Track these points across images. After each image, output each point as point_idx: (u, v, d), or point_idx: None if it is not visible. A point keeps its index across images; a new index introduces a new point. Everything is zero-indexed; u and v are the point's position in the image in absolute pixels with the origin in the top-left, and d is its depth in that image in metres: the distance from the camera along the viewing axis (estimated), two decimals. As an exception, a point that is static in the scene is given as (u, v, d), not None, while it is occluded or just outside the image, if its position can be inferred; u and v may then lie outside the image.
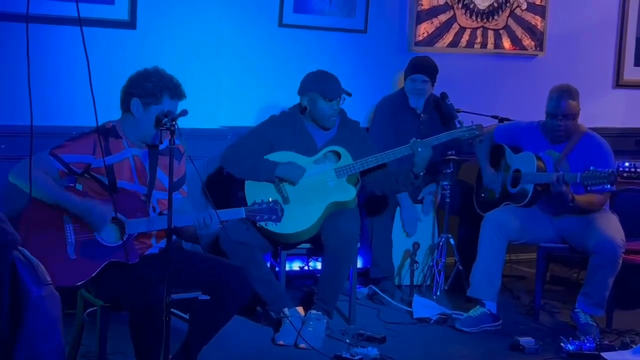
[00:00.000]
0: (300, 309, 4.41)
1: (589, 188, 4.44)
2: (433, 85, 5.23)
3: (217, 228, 3.50)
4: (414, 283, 5.04)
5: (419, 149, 4.34)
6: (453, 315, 4.68)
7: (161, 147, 3.48)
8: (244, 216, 3.56)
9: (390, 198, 5.00)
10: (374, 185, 4.56)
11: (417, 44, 5.58)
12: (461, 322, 4.57)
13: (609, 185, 4.36)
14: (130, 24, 4.71)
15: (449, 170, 5.04)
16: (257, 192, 4.35)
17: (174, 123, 3.18)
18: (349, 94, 4.49)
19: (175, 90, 3.44)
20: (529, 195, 4.60)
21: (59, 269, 3.24)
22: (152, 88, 3.41)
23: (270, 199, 3.58)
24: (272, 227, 3.71)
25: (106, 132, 3.47)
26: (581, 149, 4.64)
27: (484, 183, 4.96)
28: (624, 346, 4.27)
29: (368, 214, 5.05)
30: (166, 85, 3.43)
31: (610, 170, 4.29)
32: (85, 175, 3.44)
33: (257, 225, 3.85)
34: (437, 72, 5.22)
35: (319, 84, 4.45)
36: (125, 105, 3.48)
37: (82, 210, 3.33)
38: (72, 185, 3.50)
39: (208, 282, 3.44)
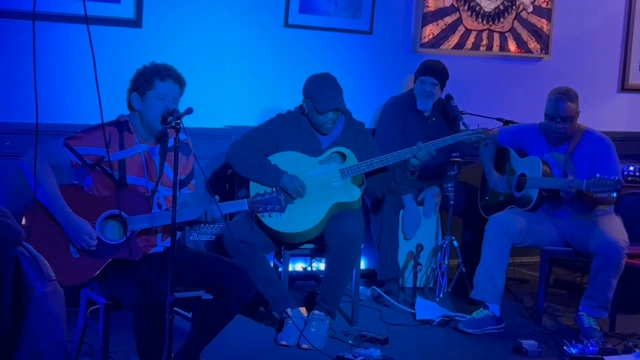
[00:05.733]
0: (303, 310, 4.40)
1: (595, 195, 4.43)
2: (442, 90, 5.23)
3: (220, 227, 3.50)
4: (417, 285, 5.04)
5: (420, 153, 4.33)
6: (456, 318, 4.67)
7: (170, 143, 3.50)
8: (247, 208, 3.55)
9: (396, 199, 5.00)
10: (374, 187, 4.56)
11: (423, 45, 5.58)
12: (464, 323, 4.56)
13: (615, 194, 4.36)
14: (136, 22, 4.71)
15: (453, 172, 5.03)
16: (261, 189, 4.34)
17: (179, 121, 3.18)
18: (339, 110, 4.43)
19: (165, 72, 3.49)
20: (534, 200, 4.60)
21: (62, 268, 3.25)
22: (143, 78, 3.48)
23: (273, 189, 3.58)
24: (275, 222, 3.67)
25: (121, 126, 3.50)
26: (584, 148, 4.63)
27: (489, 184, 4.95)
28: (627, 350, 4.28)
29: (376, 216, 5.04)
30: (157, 71, 3.48)
31: (617, 178, 4.28)
32: (97, 168, 3.45)
33: (259, 216, 3.83)
34: (447, 77, 5.22)
35: (315, 93, 4.41)
36: (129, 103, 3.53)
37: (66, 224, 3.34)
38: (76, 183, 3.52)
39: (211, 281, 3.44)
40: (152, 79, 3.46)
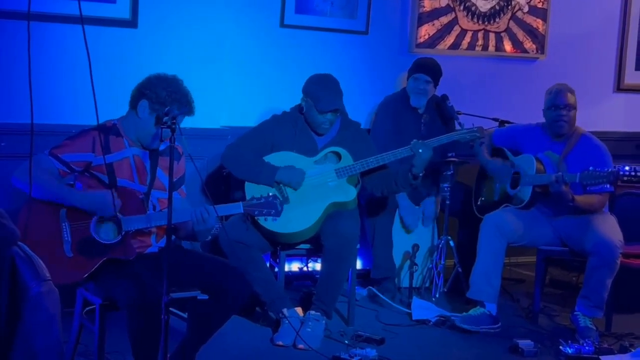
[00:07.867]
0: (299, 310, 4.41)
1: (588, 188, 4.44)
2: (435, 87, 5.24)
3: (216, 227, 3.48)
4: (413, 285, 5.04)
5: (420, 150, 4.34)
6: (452, 317, 4.67)
7: (161, 147, 3.49)
8: (242, 211, 3.53)
9: (390, 199, 5.00)
10: (373, 186, 4.56)
11: (418, 45, 5.58)
12: (461, 319, 4.56)
13: (608, 185, 4.37)
14: (132, 22, 4.71)
15: (449, 172, 5.04)
16: (256, 191, 4.35)
17: (174, 122, 3.17)
18: (337, 112, 4.43)
19: (185, 107, 3.43)
20: (528, 197, 4.60)
21: (56, 267, 3.23)
22: (164, 97, 3.40)
23: (270, 194, 3.56)
24: (271, 223, 3.65)
25: (107, 130, 3.47)
26: (579, 151, 4.64)
27: (490, 174, 4.92)
28: (623, 350, 4.28)
29: (369, 215, 5.05)
30: (179, 99, 3.42)
31: (610, 169, 4.29)
32: (86, 173, 3.44)
33: (256, 219, 3.82)
34: (440, 75, 5.23)
35: (316, 93, 4.41)
36: (134, 103, 3.48)
37: (86, 202, 3.33)
38: (72, 183, 3.51)
39: (207, 282, 3.43)
40: (172, 105, 3.39)
